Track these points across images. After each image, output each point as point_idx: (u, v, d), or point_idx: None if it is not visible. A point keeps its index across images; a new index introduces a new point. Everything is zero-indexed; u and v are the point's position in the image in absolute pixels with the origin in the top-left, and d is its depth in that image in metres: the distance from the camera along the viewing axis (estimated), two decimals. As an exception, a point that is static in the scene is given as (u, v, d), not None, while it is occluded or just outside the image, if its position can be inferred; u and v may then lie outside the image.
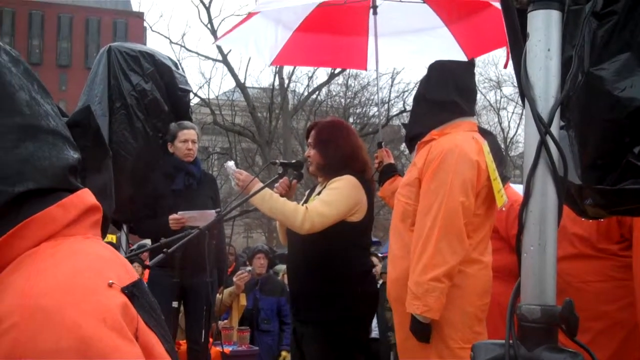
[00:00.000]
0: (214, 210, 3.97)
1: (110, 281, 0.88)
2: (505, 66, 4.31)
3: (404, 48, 5.02)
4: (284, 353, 6.52)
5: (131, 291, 0.91)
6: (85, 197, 0.96)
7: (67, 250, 0.89)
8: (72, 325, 0.80)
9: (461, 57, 4.73)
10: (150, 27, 36.00)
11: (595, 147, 1.25)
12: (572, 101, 1.28)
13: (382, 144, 4.35)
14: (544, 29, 1.16)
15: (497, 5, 3.86)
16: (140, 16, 38.20)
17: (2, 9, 42.12)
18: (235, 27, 4.88)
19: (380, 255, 8.50)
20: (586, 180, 1.28)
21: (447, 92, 3.15)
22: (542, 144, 1.11)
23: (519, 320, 1.13)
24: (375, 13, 4.61)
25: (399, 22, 4.86)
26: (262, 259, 6.95)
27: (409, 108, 25.82)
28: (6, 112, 0.90)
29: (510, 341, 1.09)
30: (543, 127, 1.12)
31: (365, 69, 5.11)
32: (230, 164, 3.73)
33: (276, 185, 3.71)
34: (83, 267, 0.88)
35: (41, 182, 0.90)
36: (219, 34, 24.88)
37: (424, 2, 4.75)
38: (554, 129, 1.13)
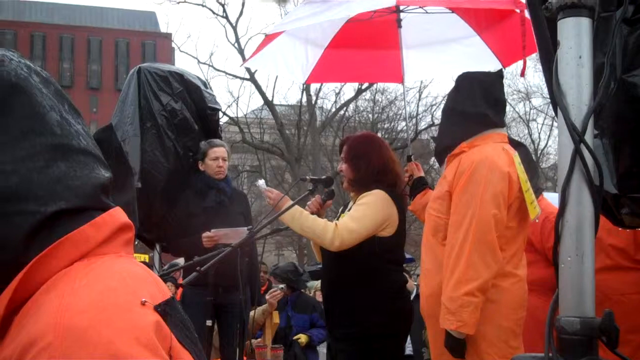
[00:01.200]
0: (245, 228, 3.97)
1: (143, 299, 0.88)
2: (522, 74, 4.25)
3: (436, 59, 4.98)
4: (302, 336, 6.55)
5: (164, 309, 0.90)
6: (118, 215, 0.96)
7: (100, 269, 0.89)
8: (106, 344, 0.80)
9: (496, 64, 4.69)
10: (179, 48, 36.49)
11: (630, 155, 1.23)
12: (605, 109, 1.26)
13: (412, 157, 4.32)
14: (575, 36, 1.14)
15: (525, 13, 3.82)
16: (168, 37, 38.64)
17: (34, 33, 42.91)
18: (261, 48, 4.89)
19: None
20: (622, 188, 1.25)
21: (476, 104, 3.12)
22: (577, 152, 1.09)
23: (558, 333, 1.10)
24: (399, 26, 4.59)
25: (429, 33, 4.83)
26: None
27: (437, 122, 25.78)
28: (38, 132, 0.91)
29: (550, 354, 1.06)
30: (577, 135, 1.10)
31: (401, 82, 5.07)
32: (261, 182, 3.75)
33: (308, 203, 3.71)
34: (116, 285, 0.88)
35: (73, 202, 0.91)
36: (246, 52, 25.16)
37: (452, 12, 4.72)
38: (588, 137, 1.11)
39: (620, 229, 2.93)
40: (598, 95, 1.13)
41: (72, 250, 0.89)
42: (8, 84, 0.92)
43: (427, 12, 4.68)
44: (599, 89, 1.14)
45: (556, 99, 1.15)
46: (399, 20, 4.59)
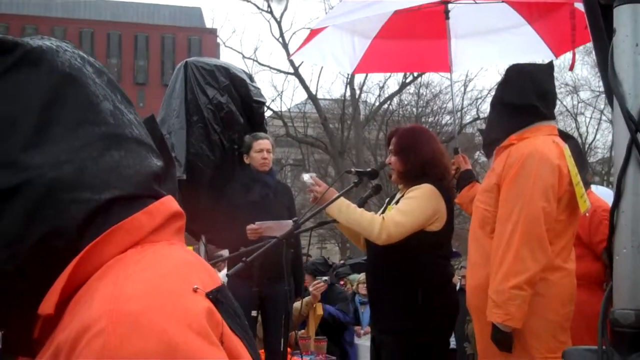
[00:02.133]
0: (290, 220, 3.99)
1: (195, 286, 0.88)
2: (571, 68, 4.17)
3: (486, 48, 4.93)
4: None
5: (215, 296, 0.91)
6: (170, 203, 0.97)
7: (153, 256, 0.90)
8: (159, 330, 0.80)
9: (547, 54, 4.62)
10: (224, 43, 36.64)
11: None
12: (661, 98, 1.23)
13: (459, 150, 4.28)
14: (632, 24, 1.12)
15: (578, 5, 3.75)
16: (213, 32, 38.99)
17: (82, 30, 43.72)
18: (308, 41, 4.90)
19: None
20: (679, 180, 1.22)
21: (526, 96, 3.07)
22: (633, 142, 1.07)
23: (612, 326, 1.08)
24: (447, 18, 4.55)
25: (479, 22, 4.78)
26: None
27: (482, 115, 25.54)
28: (92, 121, 0.93)
29: (604, 347, 1.04)
30: (633, 124, 1.07)
31: (449, 71, 5.03)
32: (307, 177, 3.74)
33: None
34: (169, 272, 0.89)
35: (127, 190, 0.92)
36: (290, 47, 25.24)
37: (502, 2, 4.66)
38: (645, 126, 1.09)
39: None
40: (656, 84, 1.10)
41: (125, 237, 0.90)
42: (62, 74, 0.93)
43: (476, 2, 4.63)
44: (657, 77, 1.11)
45: (612, 87, 1.12)
46: (446, 12, 4.55)
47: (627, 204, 1.08)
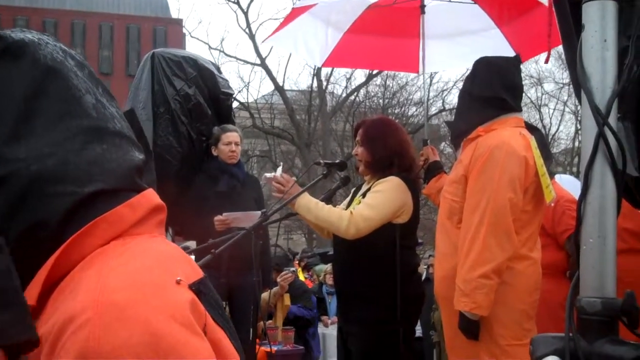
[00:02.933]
0: (258, 211, 4.00)
1: (178, 278, 0.89)
2: (547, 61, 4.23)
3: (454, 50, 4.96)
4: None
5: (198, 288, 0.92)
6: (151, 197, 0.98)
7: (136, 248, 0.91)
8: (143, 321, 0.81)
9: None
10: (190, 33, 36.40)
11: (652, 138, 1.24)
12: (628, 92, 1.27)
13: (427, 141, 4.32)
14: (600, 19, 1.15)
15: (545, 2, 3.80)
16: (179, 23, 38.64)
17: (45, 20, 42.96)
18: (283, 26, 4.89)
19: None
20: (643, 171, 1.26)
21: (493, 88, 3.12)
22: (600, 135, 1.11)
23: (578, 314, 1.11)
24: (423, 12, 4.57)
25: (450, 22, 4.81)
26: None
27: (448, 107, 25.73)
28: (74, 115, 0.93)
29: (571, 334, 1.08)
30: (601, 118, 1.11)
31: (418, 72, 5.06)
32: (270, 175, 3.72)
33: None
34: (152, 264, 0.90)
35: (109, 183, 0.93)
36: (257, 38, 25.08)
37: (474, 3, 4.69)
38: (612, 120, 1.12)
39: (635, 212, 2.95)
40: (622, 79, 1.14)
41: (108, 230, 0.91)
42: (44, 67, 0.93)
43: (450, 1, 4.66)
44: (623, 72, 1.14)
45: (580, 82, 1.16)
46: (422, 7, 4.57)
47: (594, 197, 1.11)
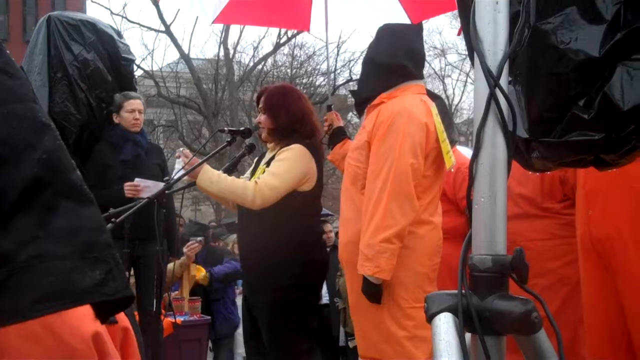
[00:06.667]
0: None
1: None
2: (459, 34, 4.33)
3: (350, 10, 5.01)
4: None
5: None
6: None
7: None
8: None
9: (405, 20, 4.72)
10: (90, -2, 34.92)
11: (541, 101, 1.27)
12: (518, 56, 1.30)
13: (332, 107, 4.33)
14: (492, -18, 1.16)
15: None
16: (79, -14, 37.03)
17: None
18: None
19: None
20: (533, 133, 1.29)
21: (396, 56, 3.16)
22: (492, 97, 1.12)
23: (470, 271, 1.14)
24: None
25: None
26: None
27: (354, 77, 25.89)
28: None
29: (463, 291, 1.10)
30: (492, 80, 1.13)
31: (308, 30, 5.06)
32: (178, 152, 3.66)
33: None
34: None
35: None
36: (161, 4, 24.40)
37: None
38: (503, 82, 1.14)
39: (528, 178, 3.06)
40: (513, 42, 1.16)
41: None
42: None
43: None
44: (514, 35, 1.16)
45: (473, 44, 1.17)
46: None
47: (485, 156, 1.13)
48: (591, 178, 2.33)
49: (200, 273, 6.38)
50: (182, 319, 5.44)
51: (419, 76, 3.28)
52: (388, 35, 3.24)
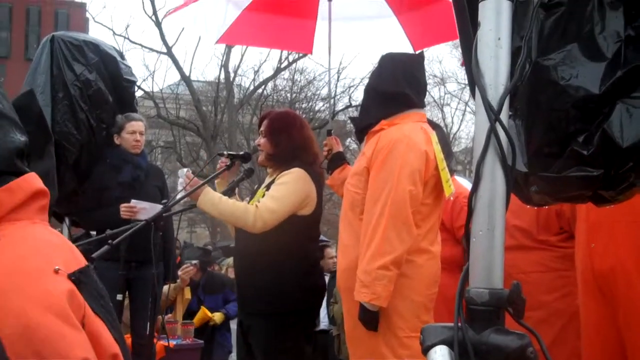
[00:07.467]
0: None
1: (57, 267, 0.86)
2: (463, 64, 4.38)
3: (353, 35, 5.02)
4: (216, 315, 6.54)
5: (78, 278, 0.89)
6: (33, 181, 0.94)
7: (13, 236, 0.87)
8: (17, 312, 0.78)
9: (408, 48, 4.76)
10: (93, 18, 35.25)
11: (541, 136, 1.28)
12: (519, 91, 1.31)
13: (332, 131, 4.34)
14: (495, 17, 1.18)
15: None
16: (82, 7, 37.36)
17: (-63, -3, 40.67)
18: (188, 3, 4.82)
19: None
20: (532, 167, 1.30)
21: (398, 84, 3.19)
22: (492, 131, 1.13)
23: (467, 304, 1.14)
24: None
25: (350, 8, 4.86)
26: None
27: (354, 103, 26.02)
28: None
29: (459, 324, 1.10)
30: (493, 114, 1.14)
31: (311, 53, 5.10)
32: (182, 172, 3.67)
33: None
34: (29, 252, 0.86)
35: None
36: (163, 25, 24.57)
37: None
38: (504, 116, 1.15)
39: (524, 210, 3.07)
40: (514, 77, 1.17)
41: None
42: None
43: None
44: (516, 71, 1.18)
45: (474, 78, 1.18)
46: None
47: (485, 190, 1.14)
48: (594, 211, 2.33)
49: (214, 316, 6.45)
50: (174, 342, 5.41)
51: (421, 105, 3.31)
52: (390, 63, 3.26)
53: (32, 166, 0.98)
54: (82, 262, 0.94)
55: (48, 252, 0.89)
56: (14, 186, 0.90)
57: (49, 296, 0.82)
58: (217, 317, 6.55)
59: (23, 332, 0.77)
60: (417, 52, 3.91)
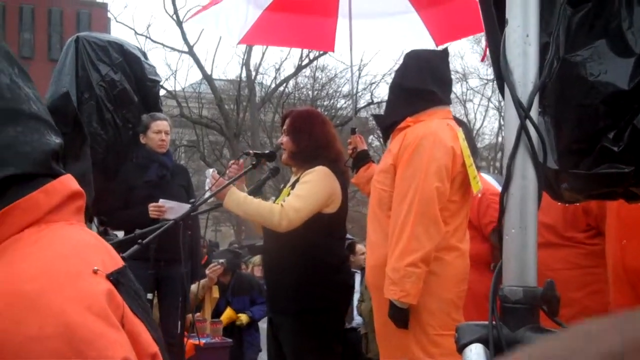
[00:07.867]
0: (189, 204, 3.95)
1: (95, 267, 0.87)
2: (483, 59, 4.35)
3: (374, 32, 5.00)
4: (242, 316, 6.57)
5: (116, 278, 0.90)
6: (69, 182, 0.95)
7: (51, 236, 0.88)
8: (57, 311, 0.79)
9: (430, 43, 4.74)
10: (115, 18, 35.55)
11: (570, 132, 1.28)
12: (548, 88, 1.30)
13: (355, 130, 4.34)
14: (523, 15, 1.18)
15: None
16: (104, 7, 37.66)
17: (-37, 0, 41.22)
18: (209, 6, 4.84)
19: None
20: (562, 165, 1.30)
21: (423, 81, 3.18)
22: (522, 128, 1.13)
23: (501, 302, 1.14)
24: None
25: (371, 5, 4.84)
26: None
27: (376, 100, 25.97)
28: None
29: (494, 322, 1.10)
30: (523, 111, 1.13)
31: (333, 51, 5.11)
32: (208, 172, 3.70)
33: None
34: (68, 253, 0.87)
35: (23, 168, 0.89)
36: (184, 24, 24.68)
37: None
38: (534, 114, 1.15)
39: (551, 206, 3.04)
40: (543, 74, 1.17)
41: (22, 217, 0.87)
42: None
43: None
44: (544, 68, 1.17)
45: (503, 76, 1.18)
46: None
47: (516, 187, 1.14)
48: (626, 207, 2.31)
49: (240, 316, 6.48)
50: (204, 341, 5.44)
51: (446, 101, 3.30)
52: (415, 60, 3.26)
53: (68, 168, 1.00)
54: (119, 262, 0.95)
55: (86, 253, 0.90)
56: (50, 188, 0.91)
57: (89, 296, 0.83)
58: (243, 317, 6.57)
59: (64, 332, 0.78)
60: (440, 48, 3.88)
